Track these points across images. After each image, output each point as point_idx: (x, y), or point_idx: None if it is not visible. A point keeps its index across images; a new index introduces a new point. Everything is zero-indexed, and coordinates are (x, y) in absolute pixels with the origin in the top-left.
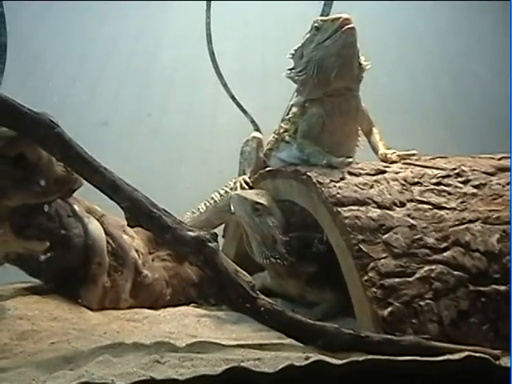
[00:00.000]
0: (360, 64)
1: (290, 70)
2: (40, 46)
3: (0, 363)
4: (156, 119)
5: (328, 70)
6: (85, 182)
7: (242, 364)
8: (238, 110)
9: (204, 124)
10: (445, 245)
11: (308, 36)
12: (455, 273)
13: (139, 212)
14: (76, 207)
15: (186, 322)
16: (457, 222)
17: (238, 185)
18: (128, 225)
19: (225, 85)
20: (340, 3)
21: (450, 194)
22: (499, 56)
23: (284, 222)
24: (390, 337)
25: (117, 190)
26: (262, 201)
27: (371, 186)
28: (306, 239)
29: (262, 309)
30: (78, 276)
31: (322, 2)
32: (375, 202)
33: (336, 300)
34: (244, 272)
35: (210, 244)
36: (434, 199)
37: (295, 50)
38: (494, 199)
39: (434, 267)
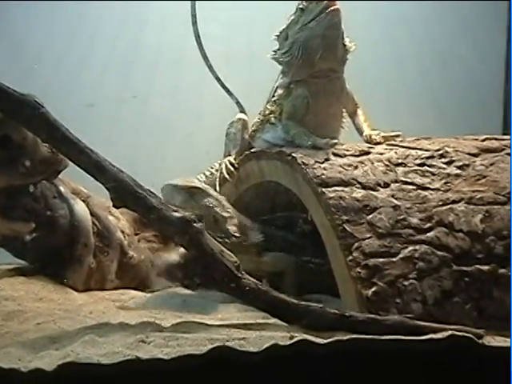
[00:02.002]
0: (345, 45)
1: (274, 51)
2: (25, 28)
3: None
4: (141, 101)
5: (313, 52)
6: (70, 163)
7: (227, 343)
8: (223, 92)
9: (190, 106)
10: (428, 225)
11: (293, 17)
12: (439, 253)
13: (125, 192)
14: (61, 188)
15: (171, 303)
16: (440, 203)
17: (224, 166)
18: (113, 205)
19: (210, 66)
20: None
21: (433, 174)
22: (484, 39)
23: (223, 199)
24: (374, 316)
25: (102, 170)
26: (195, 184)
27: (356, 167)
28: (291, 219)
29: (247, 289)
30: (63, 257)
31: None
32: (359, 183)
33: (294, 262)
34: (229, 252)
35: (195, 224)
36: (418, 180)
37: (280, 32)
38: (478, 180)
39: (417, 247)
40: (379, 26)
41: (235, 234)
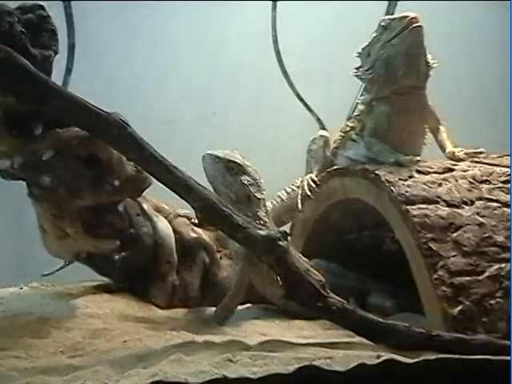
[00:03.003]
0: (427, 62)
1: (357, 68)
2: (106, 45)
3: (74, 361)
4: (221, 118)
5: (395, 69)
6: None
7: (314, 362)
8: (303, 108)
9: (269, 122)
10: None
11: (375, 35)
12: None
13: (211, 211)
14: (145, 206)
15: (254, 321)
16: None
17: (305, 183)
18: (199, 224)
19: (290, 83)
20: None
21: None
22: None
23: (260, 180)
24: (461, 336)
25: (189, 189)
26: (235, 159)
27: (439, 185)
28: (377, 239)
29: (334, 307)
30: (147, 274)
31: (387, 1)
32: (444, 201)
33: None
34: (314, 270)
35: (280, 243)
36: (503, 197)
37: (362, 49)
38: None
39: (503, 266)
40: (459, 41)
41: (264, 218)
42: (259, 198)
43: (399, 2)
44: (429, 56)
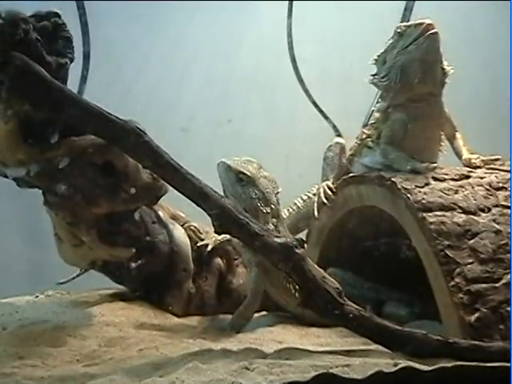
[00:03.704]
0: (443, 69)
1: (373, 75)
2: (122, 52)
3: (90, 370)
4: (237, 125)
5: (411, 76)
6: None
7: (331, 370)
8: (318, 115)
9: (284, 129)
10: None
11: (391, 41)
12: None
13: (228, 219)
14: (160, 213)
15: (271, 328)
16: None
17: (322, 190)
18: (216, 232)
19: (306, 90)
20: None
21: None
22: None
23: (271, 193)
24: (478, 343)
25: (205, 197)
26: (246, 171)
27: (456, 192)
28: (394, 246)
29: (351, 315)
30: (163, 282)
31: (403, 5)
32: (460, 208)
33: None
34: (331, 278)
35: (297, 250)
36: None
37: (378, 56)
38: None
39: None
40: (474, 46)
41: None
42: (267, 212)
43: (414, 9)
44: (445, 63)
